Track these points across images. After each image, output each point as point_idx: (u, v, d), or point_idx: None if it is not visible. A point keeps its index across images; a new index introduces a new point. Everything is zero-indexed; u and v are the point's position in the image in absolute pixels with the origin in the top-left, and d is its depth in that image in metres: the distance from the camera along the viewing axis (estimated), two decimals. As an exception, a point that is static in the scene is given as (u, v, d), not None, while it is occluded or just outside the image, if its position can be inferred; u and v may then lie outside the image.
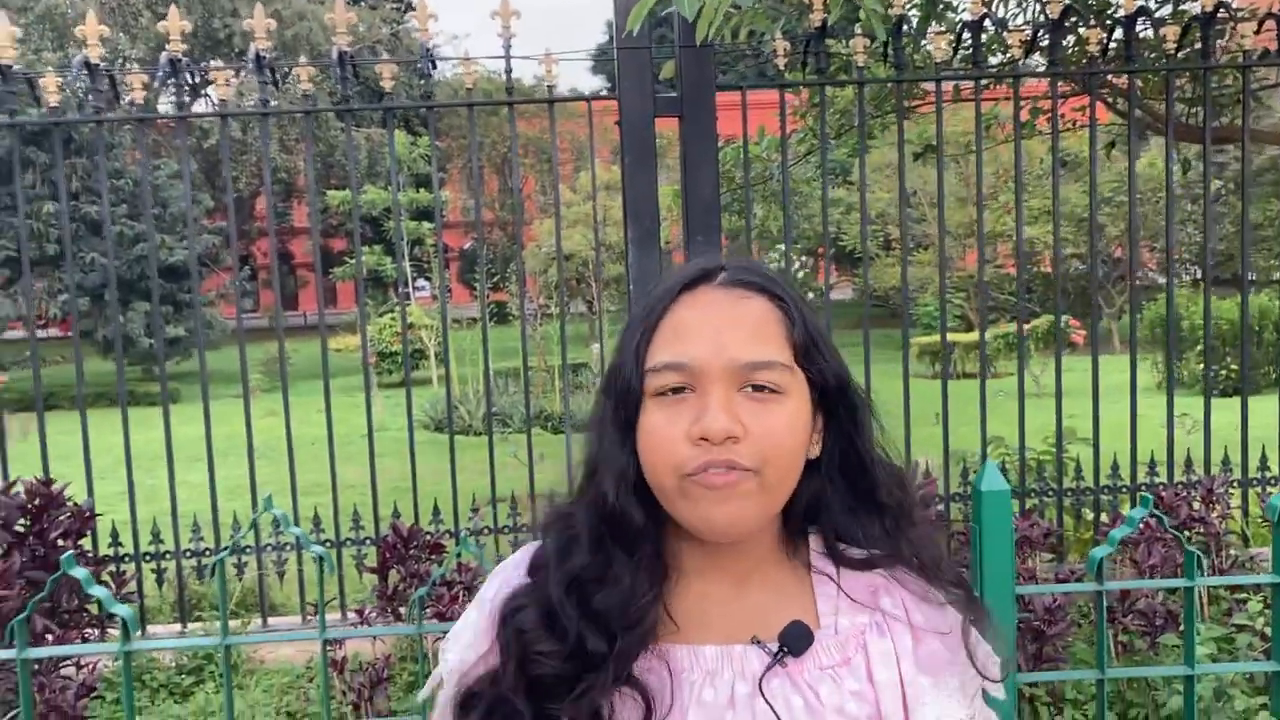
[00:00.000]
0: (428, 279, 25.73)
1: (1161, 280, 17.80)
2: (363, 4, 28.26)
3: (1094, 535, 4.36)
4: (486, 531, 4.69)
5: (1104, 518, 4.57)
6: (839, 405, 1.04)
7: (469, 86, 4.35)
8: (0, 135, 16.42)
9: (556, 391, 13.58)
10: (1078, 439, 5.06)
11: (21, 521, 3.71)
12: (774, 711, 0.97)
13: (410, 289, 21.39)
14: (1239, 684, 3.09)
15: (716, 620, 1.03)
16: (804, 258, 19.36)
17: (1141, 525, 3.43)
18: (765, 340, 0.98)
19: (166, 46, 4.17)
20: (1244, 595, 3.70)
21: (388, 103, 4.33)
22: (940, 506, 4.17)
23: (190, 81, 3.99)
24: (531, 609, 1.02)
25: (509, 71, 4.26)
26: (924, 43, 4.49)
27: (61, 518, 3.72)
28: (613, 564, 1.01)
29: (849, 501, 1.06)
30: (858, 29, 4.17)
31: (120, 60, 22.26)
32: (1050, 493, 4.65)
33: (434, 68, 4.32)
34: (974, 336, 16.50)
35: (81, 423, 4.26)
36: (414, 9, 4.34)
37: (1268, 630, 3.20)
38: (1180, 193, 16.70)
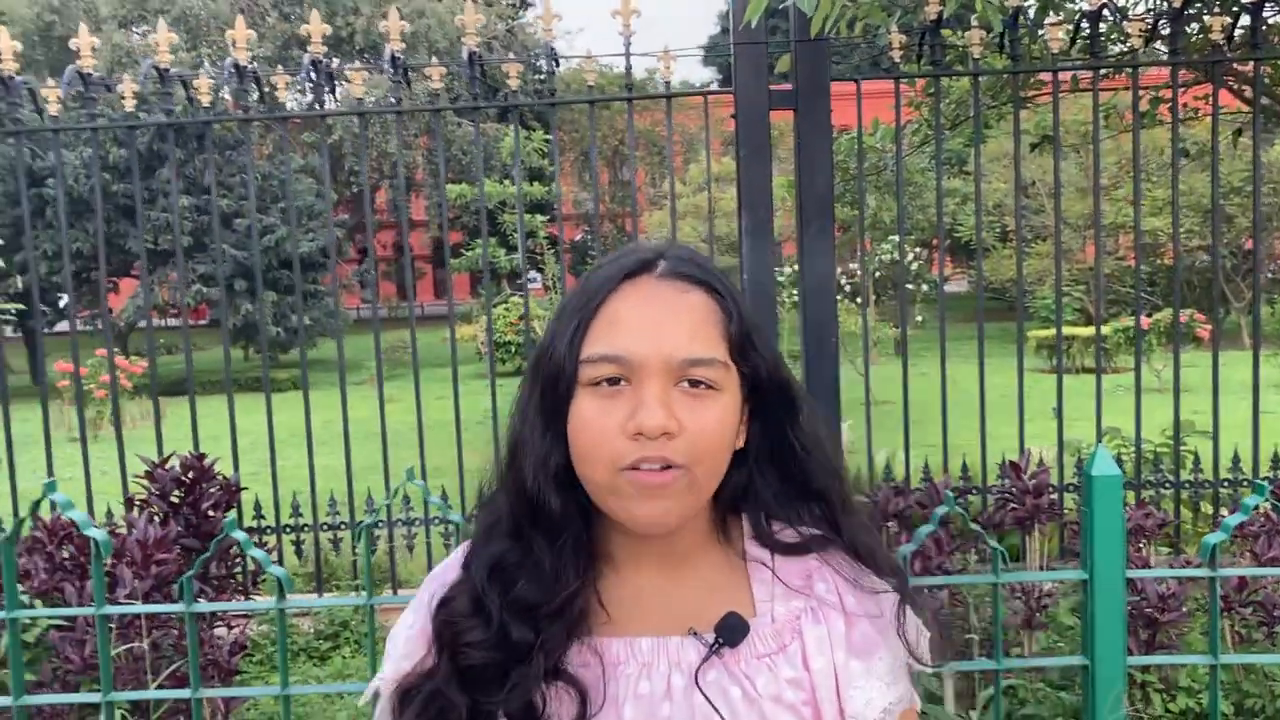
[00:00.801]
0: (540, 270, 26.14)
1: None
2: (480, 0, 28.83)
3: (1212, 528, 4.32)
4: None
5: (1223, 511, 4.51)
6: (772, 397, 1.04)
7: (590, 84, 4.50)
8: (144, 132, 17.16)
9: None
10: (1196, 432, 4.98)
11: (176, 493, 4.00)
12: (711, 703, 0.98)
13: (525, 280, 21.78)
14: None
15: (652, 611, 1.03)
16: (918, 249, 19.10)
17: (1263, 518, 3.41)
18: (703, 336, 0.98)
19: (302, 49, 4.41)
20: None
21: (512, 100, 4.51)
22: (1054, 496, 4.18)
23: (329, 83, 4.24)
24: (462, 598, 1.02)
25: (628, 69, 4.40)
26: (1041, 33, 4.47)
27: (212, 490, 4.00)
28: (533, 551, 1.00)
29: (781, 489, 1.07)
30: (974, 20, 4.19)
31: (252, 58, 23.13)
32: (1167, 485, 4.61)
33: (557, 65, 4.48)
34: (1093, 330, 16.09)
35: (229, 403, 4.55)
36: (531, 5, 4.49)
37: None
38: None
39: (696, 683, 0.99)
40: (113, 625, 3.09)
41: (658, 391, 0.95)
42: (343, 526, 4.85)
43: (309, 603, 2.85)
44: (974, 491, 4.45)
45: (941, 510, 2.17)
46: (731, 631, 1.00)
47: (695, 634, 1.01)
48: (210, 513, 3.94)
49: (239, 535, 2.24)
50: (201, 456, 4.05)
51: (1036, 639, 3.38)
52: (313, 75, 4.39)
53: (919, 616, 1.10)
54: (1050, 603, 3.32)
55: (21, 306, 12.75)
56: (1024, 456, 4.07)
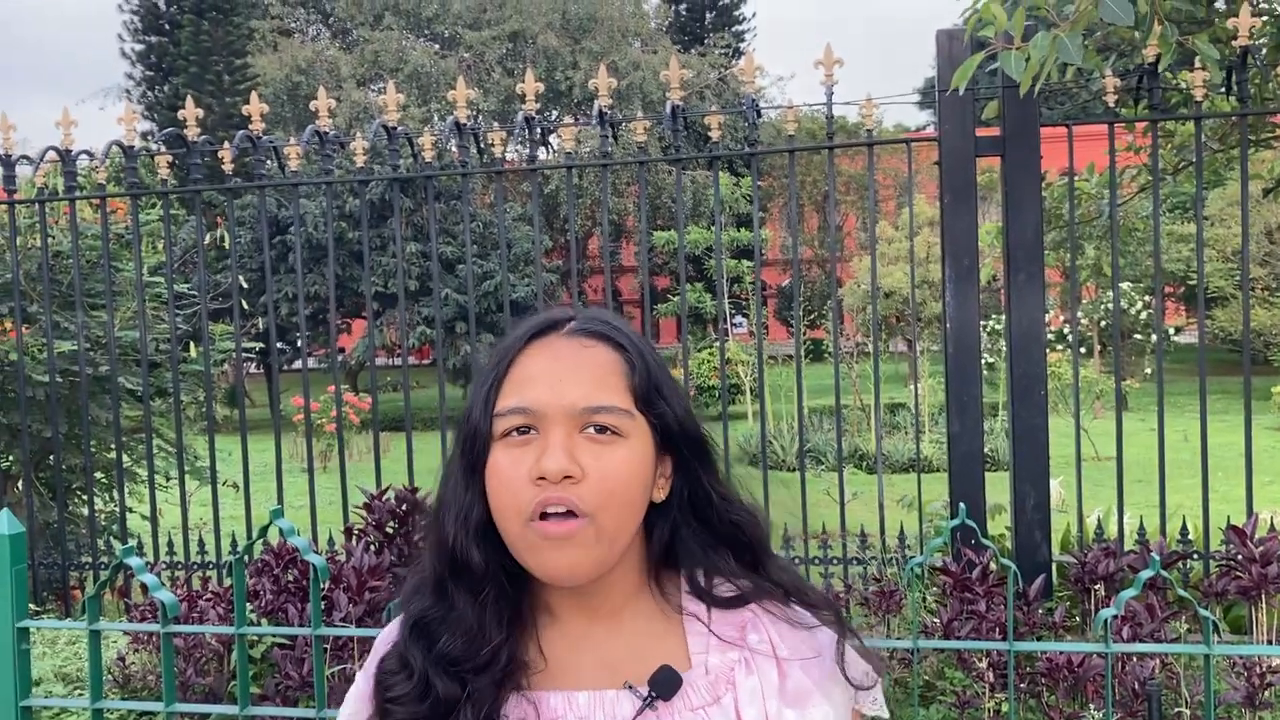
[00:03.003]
0: (745, 316, 26.23)
1: None
2: (693, 52, 29.42)
3: None
4: (797, 561, 4.83)
5: None
6: (686, 448, 1.07)
7: (790, 133, 4.55)
8: (378, 184, 18.35)
9: (870, 430, 13.48)
10: None
11: (391, 524, 4.24)
12: None
13: (729, 325, 21.92)
14: None
15: (587, 663, 1.05)
16: (1146, 297, 18.11)
17: None
18: (605, 386, 1.02)
19: (522, 105, 4.65)
20: None
21: (713, 151, 4.61)
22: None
23: (543, 137, 4.46)
24: (392, 656, 1.05)
25: (830, 118, 4.43)
26: (1274, 73, 4.22)
27: (424, 522, 4.21)
28: (456, 606, 1.03)
29: (706, 538, 1.09)
30: (1197, 61, 4.00)
31: (476, 113, 24.39)
32: None
33: (759, 116, 4.55)
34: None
35: (441, 438, 4.78)
36: (742, 54, 4.59)
37: None
38: None
39: None
40: (327, 646, 3.30)
41: (560, 438, 0.99)
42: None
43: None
44: (1194, 556, 4.18)
45: (1147, 574, 2.08)
46: (664, 685, 1.02)
47: (630, 687, 1.03)
48: (421, 544, 4.15)
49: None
50: (415, 490, 4.27)
51: (1261, 719, 3.14)
52: (526, 130, 4.62)
53: (854, 646, 1.10)
54: (1278, 680, 3.08)
55: (263, 345, 13.84)
56: (1250, 520, 3.80)
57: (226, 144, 4.81)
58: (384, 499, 4.29)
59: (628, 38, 29.25)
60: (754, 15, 66.05)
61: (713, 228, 18.25)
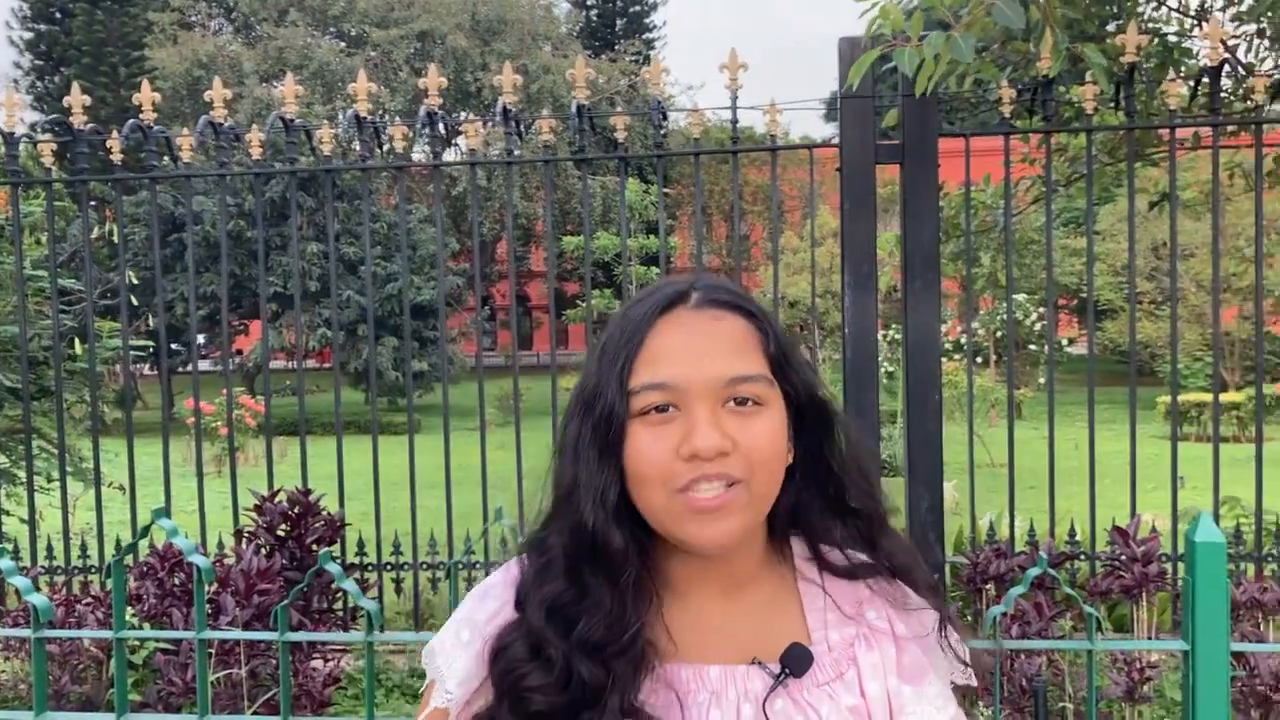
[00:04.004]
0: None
1: None
2: (603, 58, 29.46)
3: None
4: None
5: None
6: (810, 414, 1.06)
7: (696, 137, 4.56)
8: (277, 180, 17.97)
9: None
10: (1325, 504, 4.74)
11: (283, 527, 4.14)
12: None
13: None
14: None
15: (714, 638, 1.05)
16: (1040, 309, 18.63)
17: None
18: (744, 356, 1.01)
19: (425, 100, 4.58)
20: None
21: (621, 152, 4.60)
22: (1165, 564, 4.00)
23: (445, 134, 4.40)
24: (518, 644, 1.02)
25: (734, 122, 4.45)
26: (1160, 90, 4.37)
27: (316, 525, 4.12)
28: (590, 590, 1.01)
29: (823, 507, 1.09)
30: (1089, 76, 4.12)
31: (381, 112, 24.05)
32: (1292, 559, 4.38)
33: (665, 119, 4.55)
34: (1227, 397, 15.45)
35: (338, 444, 4.69)
36: (651, 61, 4.60)
37: None
38: None
39: (765, 713, 1.01)
40: (212, 651, 3.19)
41: (706, 414, 0.98)
42: (441, 566, 4.93)
43: (399, 637, 2.90)
44: (1081, 557, 4.30)
45: (1033, 572, 2.12)
46: (797, 662, 1.02)
47: (760, 664, 1.03)
48: (314, 547, 4.06)
49: (332, 568, 2.29)
50: (308, 492, 4.18)
51: (1140, 713, 3.23)
52: (429, 126, 4.55)
53: (956, 626, 1.12)
54: (1156, 675, 3.18)
55: (153, 345, 13.42)
56: (1133, 522, 3.92)
57: (116, 133, 4.64)
58: (276, 501, 4.18)
59: (538, 41, 29.14)
60: (665, 23, 66.52)
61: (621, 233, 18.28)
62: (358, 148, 4.75)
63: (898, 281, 4.33)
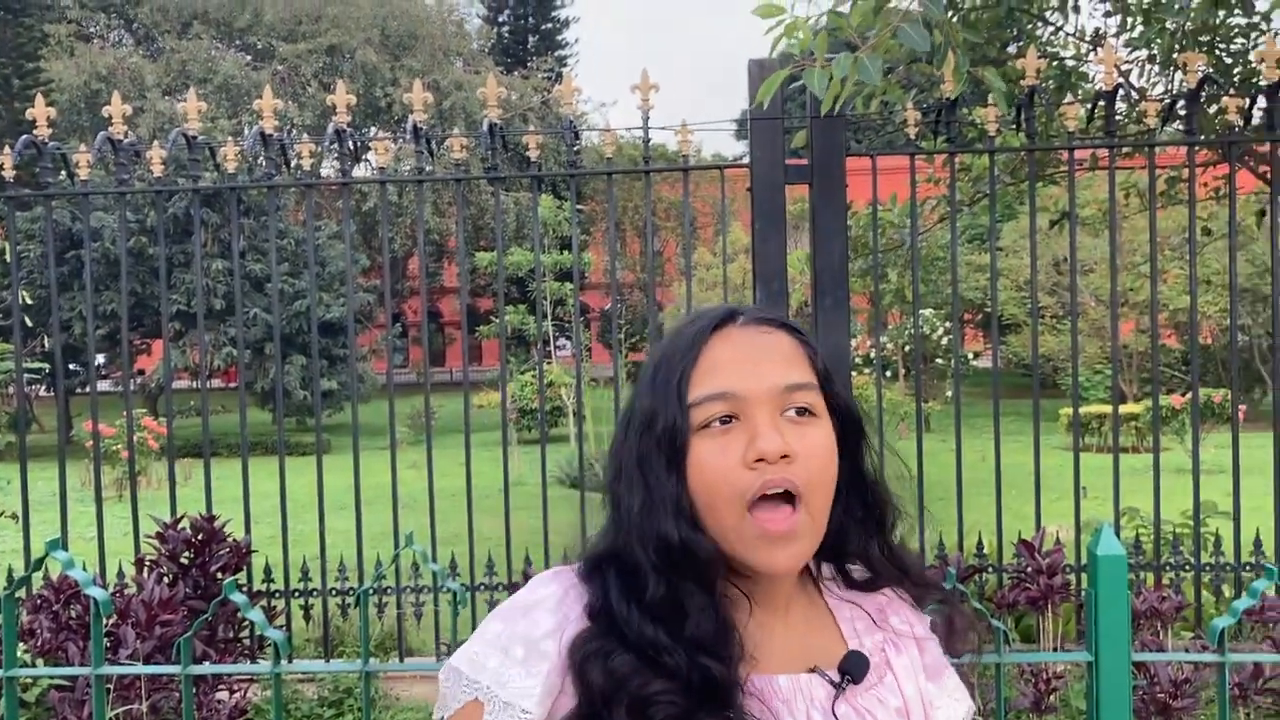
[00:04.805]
0: (569, 338, 26.27)
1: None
2: (515, 74, 29.39)
3: (1236, 614, 4.21)
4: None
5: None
6: (850, 431, 1.10)
7: (609, 155, 4.57)
8: (181, 197, 17.54)
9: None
10: (1218, 514, 4.89)
11: (186, 554, 4.01)
12: None
13: (552, 348, 21.89)
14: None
15: (775, 649, 1.07)
16: (946, 323, 19.04)
17: (1283, 603, 3.33)
18: (796, 366, 1.06)
19: (333, 117, 4.50)
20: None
21: (533, 170, 4.58)
22: (1069, 576, 4.10)
23: (354, 150, 4.33)
24: (620, 654, 1.00)
25: (646, 141, 4.47)
26: (1058, 112, 4.50)
27: (221, 552, 4.00)
28: (682, 597, 1.01)
29: (861, 521, 1.12)
30: (990, 98, 4.23)
31: (289, 128, 23.64)
32: (1188, 568, 4.52)
33: (577, 138, 4.55)
34: (1126, 409, 15.94)
35: (243, 467, 4.57)
36: (562, 79, 4.60)
37: None
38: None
39: (836, 717, 1.04)
40: (111, 686, 3.08)
41: (767, 420, 1.01)
42: (351, 592, 4.84)
43: (307, 667, 2.83)
44: (989, 570, 4.38)
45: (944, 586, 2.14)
46: (857, 668, 1.07)
47: (818, 671, 1.07)
48: (219, 575, 3.94)
49: (237, 597, 2.23)
50: (212, 518, 4.06)
51: (1048, 723, 3.30)
52: (337, 143, 4.48)
53: (963, 613, 1.20)
54: (1062, 685, 3.24)
55: (49, 366, 12.98)
56: (1038, 535, 4.01)
57: (9, 149, 4.48)
58: (179, 528, 4.06)
59: (450, 57, 28.99)
60: (577, 41, 66.64)
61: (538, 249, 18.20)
62: (263, 163, 4.65)
63: (809, 298, 4.38)
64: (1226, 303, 16.68)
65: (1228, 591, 4.52)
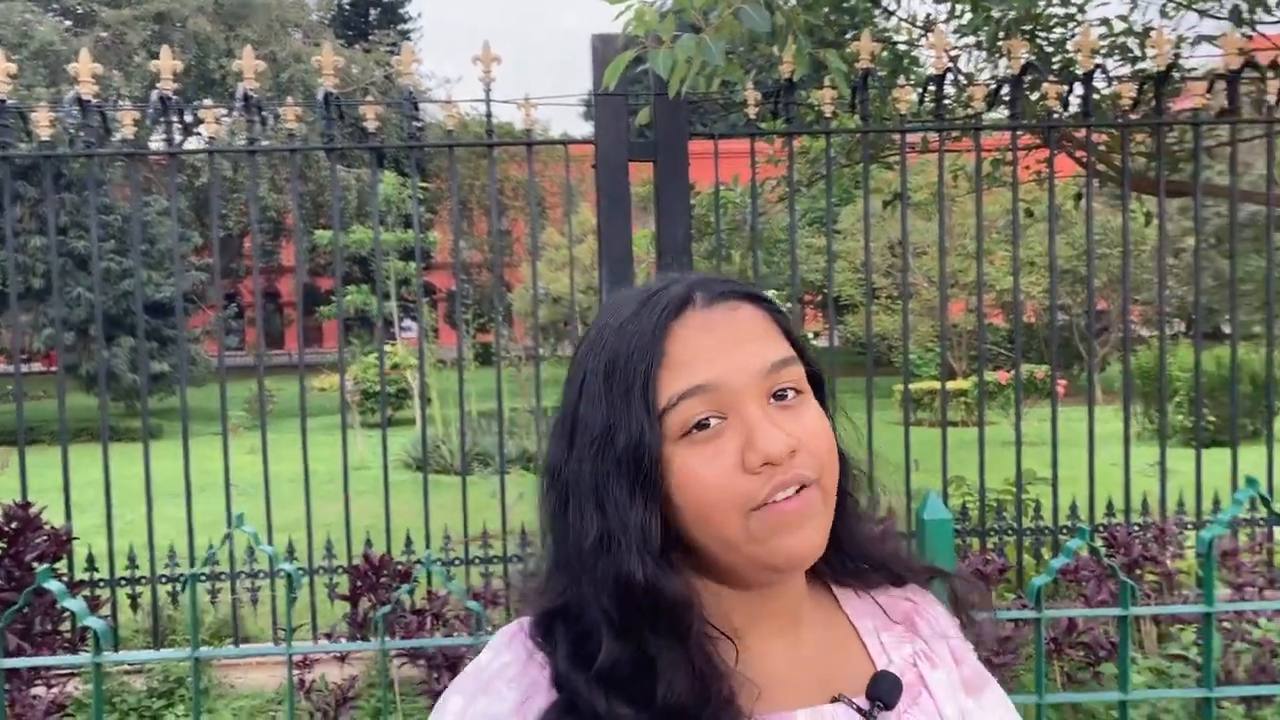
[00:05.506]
0: (414, 319, 25.83)
1: (1140, 333, 18.02)
2: (356, 48, 28.61)
3: (1053, 574, 4.47)
4: (457, 563, 4.77)
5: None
6: (820, 396, 0.97)
7: (450, 129, 4.49)
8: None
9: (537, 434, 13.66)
10: (1038, 480, 5.18)
11: (-1, 545, 3.79)
12: None
13: (398, 329, 21.49)
14: (1173, 711, 3.19)
15: (787, 678, 0.95)
16: (787, 304, 19.52)
17: (1094, 562, 3.55)
18: (773, 340, 0.92)
19: (158, 85, 4.29)
20: (1183, 627, 3.81)
21: (372, 143, 4.47)
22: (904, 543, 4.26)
23: (180, 119, 4.12)
24: None
25: (489, 115, 4.42)
26: (891, 96, 4.65)
27: (38, 540, 3.79)
28: (655, 652, 0.87)
29: (845, 508, 0.98)
30: (827, 81, 4.33)
31: (114, 98, 22.45)
32: (1010, 532, 4.77)
33: (416, 109, 4.46)
34: (955, 384, 16.67)
35: (62, 453, 4.33)
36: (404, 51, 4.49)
37: (1200, 659, 3.30)
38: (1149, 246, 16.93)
39: None
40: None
41: (758, 413, 0.87)
42: (181, 579, 4.65)
43: (131, 657, 2.71)
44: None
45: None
46: (888, 693, 0.93)
47: (845, 699, 0.93)
48: (35, 565, 3.73)
49: (53, 585, 2.11)
50: (26, 505, 3.84)
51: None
52: (163, 112, 4.27)
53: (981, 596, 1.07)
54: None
55: None
56: (871, 506, 4.15)
57: None
58: (-9, 517, 3.82)
59: (287, 28, 27.99)
60: (420, 15, 65.42)
61: (381, 227, 17.79)
62: (83, 134, 4.40)
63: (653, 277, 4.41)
64: (1049, 283, 17.65)
65: (1046, 554, 4.79)
